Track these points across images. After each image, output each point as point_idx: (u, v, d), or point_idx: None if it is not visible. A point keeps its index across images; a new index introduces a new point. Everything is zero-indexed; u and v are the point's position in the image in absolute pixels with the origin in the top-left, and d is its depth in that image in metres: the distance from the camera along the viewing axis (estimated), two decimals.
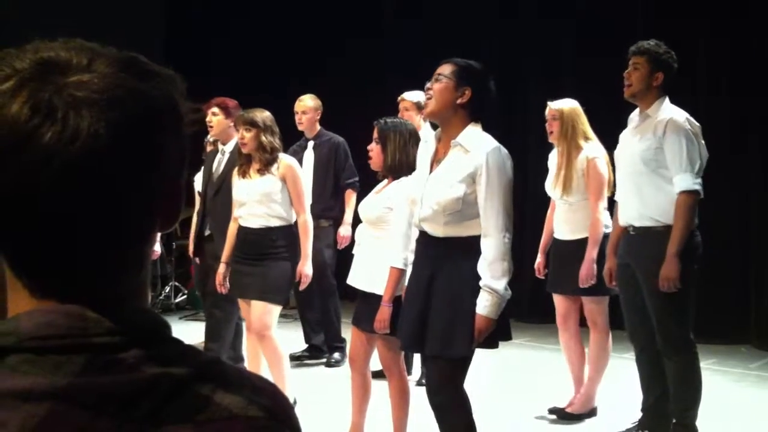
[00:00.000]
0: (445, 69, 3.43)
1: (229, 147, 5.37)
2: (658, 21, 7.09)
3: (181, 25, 10.25)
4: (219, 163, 5.40)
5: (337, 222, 6.36)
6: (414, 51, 7.98)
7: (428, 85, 3.50)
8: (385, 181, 4.16)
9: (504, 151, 3.35)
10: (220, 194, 5.28)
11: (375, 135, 4.07)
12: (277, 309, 4.71)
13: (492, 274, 3.26)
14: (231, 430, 0.74)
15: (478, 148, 3.31)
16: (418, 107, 5.55)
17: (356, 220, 4.40)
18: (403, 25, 8.84)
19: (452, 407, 3.43)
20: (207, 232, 5.45)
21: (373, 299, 3.91)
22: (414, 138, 4.06)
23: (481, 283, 3.26)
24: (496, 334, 3.36)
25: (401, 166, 3.99)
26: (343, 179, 6.34)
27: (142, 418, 0.72)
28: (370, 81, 8.64)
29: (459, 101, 3.38)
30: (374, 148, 4.08)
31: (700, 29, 7.16)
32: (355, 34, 9.04)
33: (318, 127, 6.41)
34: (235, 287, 4.81)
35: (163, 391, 0.73)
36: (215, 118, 5.34)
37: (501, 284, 3.26)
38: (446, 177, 3.36)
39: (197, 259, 5.64)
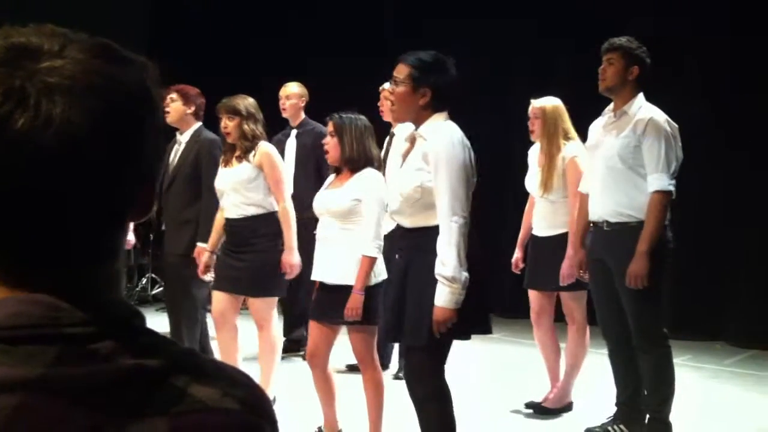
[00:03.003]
0: (401, 72, 3.41)
1: (185, 137, 5.16)
2: (647, 19, 7.12)
3: (169, 23, 10.09)
4: (175, 153, 5.20)
5: None
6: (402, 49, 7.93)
7: (389, 87, 3.50)
8: (332, 176, 4.18)
9: (456, 137, 3.34)
10: (173, 186, 5.12)
11: (330, 129, 4.09)
12: (274, 300, 4.72)
13: (440, 260, 3.24)
14: (207, 422, 0.74)
15: (432, 137, 3.34)
16: None
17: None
18: (403, 24, 8.82)
19: (426, 398, 3.44)
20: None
21: (346, 291, 3.91)
22: (369, 131, 4.09)
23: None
24: (468, 324, 3.35)
25: (359, 157, 4.01)
26: (324, 170, 6.23)
27: (117, 410, 0.71)
28: (364, 80, 8.60)
29: (421, 102, 3.38)
30: (330, 142, 4.08)
31: (689, 27, 7.20)
32: (350, 33, 8.98)
33: (303, 115, 6.32)
34: (223, 280, 4.73)
35: (138, 383, 0.72)
36: (173, 104, 5.09)
37: (448, 270, 3.22)
38: (408, 168, 3.42)
39: (157, 253, 5.59)
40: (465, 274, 3.24)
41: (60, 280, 0.75)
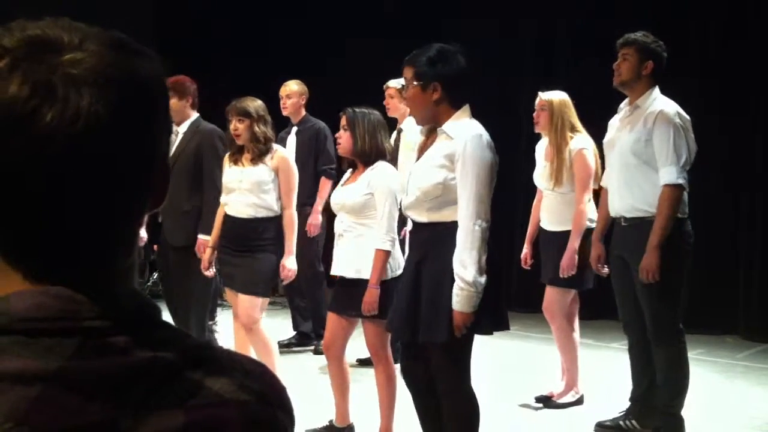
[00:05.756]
0: (407, 74, 3.37)
1: (183, 128, 5.10)
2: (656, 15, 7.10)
3: (174, 23, 10.05)
4: (172, 144, 5.12)
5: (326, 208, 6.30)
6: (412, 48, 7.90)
7: (404, 94, 3.45)
8: (348, 172, 4.20)
9: (485, 138, 3.28)
10: (171, 177, 5.09)
11: (343, 122, 4.10)
12: (263, 301, 4.71)
13: (461, 262, 3.20)
14: (222, 415, 0.74)
15: (460, 135, 3.27)
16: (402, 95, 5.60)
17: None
18: (402, 22, 8.79)
19: (444, 394, 3.40)
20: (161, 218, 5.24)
21: (363, 285, 3.92)
22: (382, 126, 4.11)
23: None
24: (490, 320, 3.32)
25: (371, 150, 4.03)
26: (319, 165, 6.25)
27: (133, 403, 0.71)
28: (369, 79, 8.58)
29: (433, 98, 3.32)
30: (343, 135, 4.10)
31: (695, 22, 7.18)
32: (355, 33, 8.96)
33: (303, 112, 6.38)
34: (228, 278, 4.77)
35: (154, 376, 0.73)
36: (170, 101, 5.09)
37: (469, 274, 3.18)
38: (428, 164, 3.35)
39: (155, 246, 5.54)
40: (484, 278, 3.21)
41: (79, 272, 0.75)
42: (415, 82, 3.33)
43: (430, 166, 3.34)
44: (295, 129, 6.35)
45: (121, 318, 0.74)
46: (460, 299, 3.20)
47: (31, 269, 0.75)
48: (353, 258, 4.03)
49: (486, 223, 3.23)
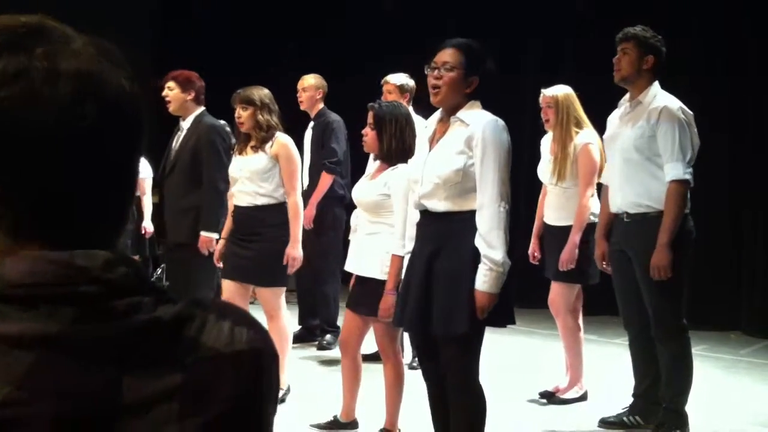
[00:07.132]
0: (452, 57, 3.34)
1: (186, 124, 5.04)
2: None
3: (178, 21, 10.05)
4: (176, 140, 5.07)
5: (338, 203, 6.27)
6: (414, 33, 7.91)
7: (434, 72, 3.36)
8: (377, 163, 4.13)
9: (501, 123, 3.31)
10: (173, 174, 5.01)
11: (370, 120, 4.02)
12: (282, 290, 4.73)
13: (488, 243, 3.18)
14: (217, 369, 0.77)
15: (475, 121, 3.28)
16: (401, 90, 5.56)
17: (352, 205, 4.33)
18: (403, 7, 8.79)
19: (454, 388, 3.38)
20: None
21: (372, 283, 3.90)
22: (409, 122, 4.03)
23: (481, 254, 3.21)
24: (503, 312, 3.31)
25: (397, 152, 3.97)
26: (321, 158, 6.20)
27: (134, 364, 0.73)
28: (368, 65, 8.59)
29: (467, 90, 3.34)
30: (369, 133, 4.03)
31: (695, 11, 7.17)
32: (354, 20, 8.96)
33: (320, 106, 6.35)
34: (231, 269, 4.73)
35: (153, 338, 0.75)
36: (171, 92, 4.98)
37: (498, 254, 3.17)
38: (445, 151, 3.34)
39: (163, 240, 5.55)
40: (509, 261, 3.22)
41: (80, 238, 0.77)
42: (459, 69, 3.33)
43: (448, 153, 3.32)
44: (311, 123, 6.35)
45: (118, 283, 0.75)
46: (488, 279, 3.18)
47: (46, 232, 0.76)
48: (364, 256, 4.00)
49: (508, 205, 3.24)
